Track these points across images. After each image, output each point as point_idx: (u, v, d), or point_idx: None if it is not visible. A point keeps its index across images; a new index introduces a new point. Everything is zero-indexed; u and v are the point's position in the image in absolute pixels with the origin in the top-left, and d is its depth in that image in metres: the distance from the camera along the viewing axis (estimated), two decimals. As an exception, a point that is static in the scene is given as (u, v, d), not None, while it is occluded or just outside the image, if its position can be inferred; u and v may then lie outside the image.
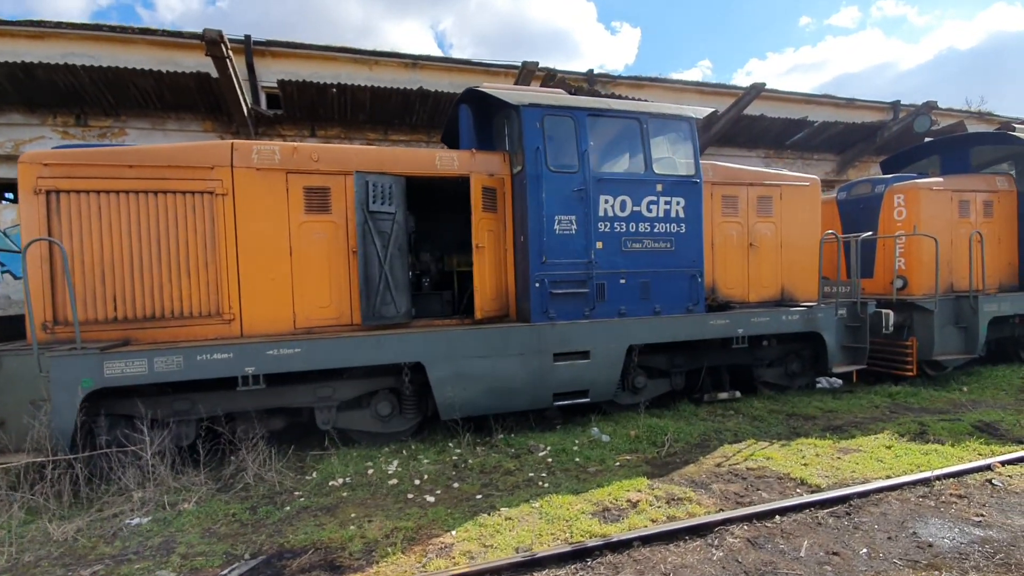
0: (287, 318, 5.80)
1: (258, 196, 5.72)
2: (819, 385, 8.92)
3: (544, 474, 5.22)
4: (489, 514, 4.30)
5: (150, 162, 5.45)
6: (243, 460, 5.17)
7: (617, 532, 3.82)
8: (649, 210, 6.65)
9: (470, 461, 5.53)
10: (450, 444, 5.98)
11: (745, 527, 3.91)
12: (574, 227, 6.33)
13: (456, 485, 5.00)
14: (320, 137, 11.07)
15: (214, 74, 9.03)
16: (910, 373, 8.44)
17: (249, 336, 5.66)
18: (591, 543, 3.62)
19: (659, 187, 6.68)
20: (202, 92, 9.57)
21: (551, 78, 10.57)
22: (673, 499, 4.43)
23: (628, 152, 6.73)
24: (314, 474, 5.28)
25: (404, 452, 5.85)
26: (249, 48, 10.89)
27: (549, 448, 5.81)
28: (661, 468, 5.28)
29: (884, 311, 8.27)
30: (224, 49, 8.46)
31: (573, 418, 6.80)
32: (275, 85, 10.28)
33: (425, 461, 5.58)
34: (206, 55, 8.52)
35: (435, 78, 11.97)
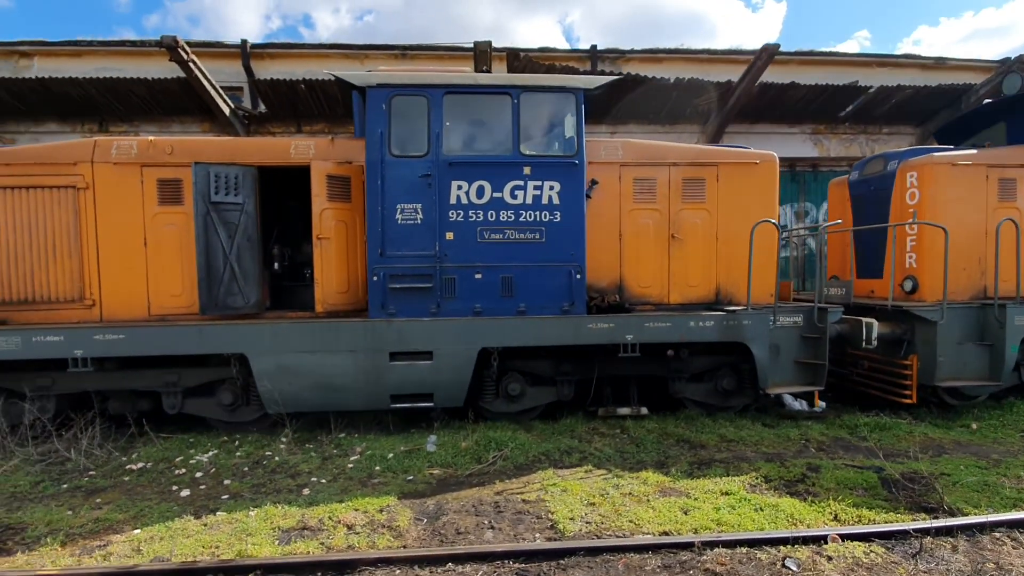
0: (142, 305, 6.07)
1: (116, 189, 6.03)
2: (796, 407, 7.36)
3: (325, 480, 4.91)
4: (199, 517, 4.12)
5: (22, 160, 6.00)
6: (70, 438, 5.53)
7: (243, 558, 3.43)
8: (513, 196, 5.89)
9: (276, 459, 5.38)
10: (282, 439, 5.87)
11: (397, 570, 3.28)
12: (419, 216, 5.82)
13: (227, 482, 4.88)
14: (306, 132, 11.52)
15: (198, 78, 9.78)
16: (907, 400, 6.58)
17: (109, 321, 6.02)
18: (201, 564, 3.28)
19: (526, 170, 5.89)
20: (188, 96, 10.41)
21: (515, 58, 9.86)
22: (380, 527, 3.88)
23: (495, 131, 6.01)
24: (135, 455, 5.50)
25: (236, 443, 5.86)
26: (245, 51, 11.68)
27: (366, 454, 5.44)
28: (444, 488, 4.68)
29: (866, 320, 6.55)
30: (183, 54, 9.10)
31: (453, 422, 6.28)
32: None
33: (238, 454, 5.54)
34: (169, 60, 9.23)
35: (425, 66, 11.83)
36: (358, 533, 3.82)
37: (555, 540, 3.64)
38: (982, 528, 3.54)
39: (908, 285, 7.01)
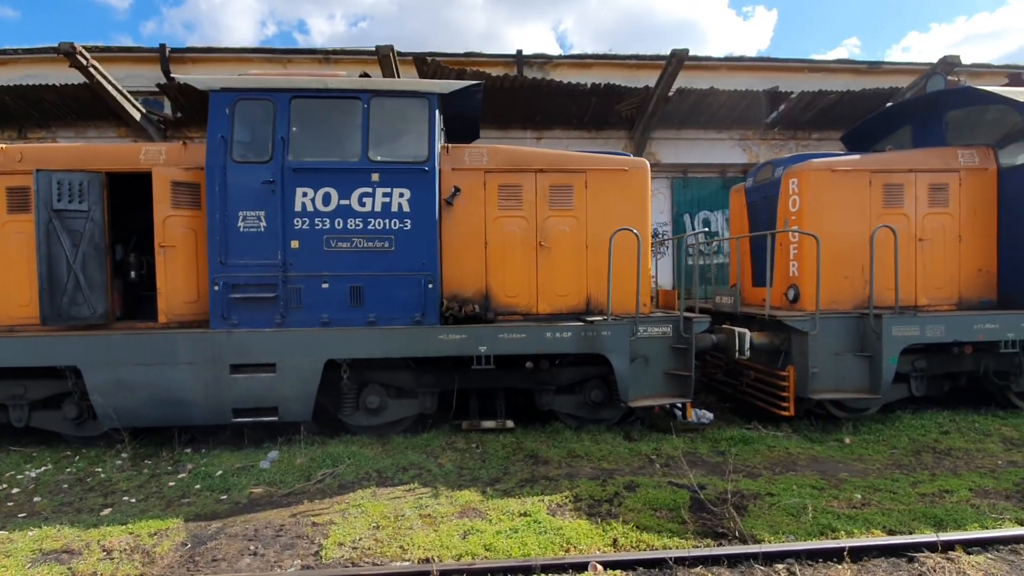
0: (-11, 315, 5.88)
1: (-37, 197, 5.85)
2: (694, 420, 7.15)
3: (136, 499, 4.72)
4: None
5: None
6: None
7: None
8: (361, 204, 5.71)
9: (102, 475, 5.18)
10: (122, 455, 5.66)
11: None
12: (263, 224, 5.64)
13: (37, 500, 4.78)
14: (226, 138, 11.32)
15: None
16: (785, 412, 6.37)
17: (-44, 330, 5.82)
18: None
19: (375, 177, 5.71)
20: (98, 102, 10.24)
21: (423, 62, 9.69)
22: (138, 552, 3.67)
23: (345, 137, 5.84)
24: (-43, 472, 5.29)
25: (76, 458, 5.65)
26: (164, 56, 11.53)
27: (196, 471, 5.23)
28: (250, 508, 4.47)
29: (739, 331, 6.36)
30: (82, 60, 8.93)
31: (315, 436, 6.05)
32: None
33: (69, 470, 5.35)
34: (69, 67, 9.07)
35: (348, 69, 11.66)
36: (112, 559, 3.62)
37: (308, 568, 3.43)
38: (755, 558, 3.32)
39: (791, 294, 6.83)
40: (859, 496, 4.39)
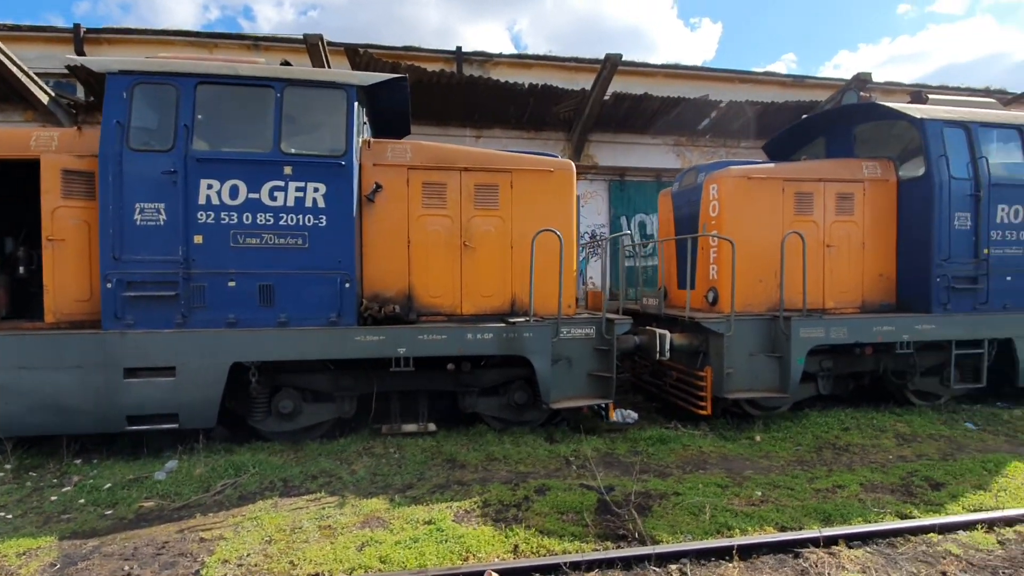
0: None
1: None
2: (616, 419, 7.22)
3: (12, 515, 4.32)
4: None
5: None
6: None
7: None
8: (272, 197, 5.44)
9: (-34, 491, 4.69)
10: (6, 466, 5.17)
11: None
12: (162, 217, 5.27)
13: None
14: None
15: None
16: (703, 411, 6.54)
17: None
18: None
19: (287, 170, 5.45)
20: (3, 84, 9.36)
21: (355, 53, 9.40)
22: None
23: (256, 127, 5.54)
24: None
25: (-60, 473, 5.10)
26: (78, 36, 10.73)
27: (83, 483, 4.83)
28: (136, 524, 4.16)
29: (659, 332, 6.49)
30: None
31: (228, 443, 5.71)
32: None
33: (-78, 486, 4.81)
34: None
35: (279, 58, 11.16)
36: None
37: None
38: (649, 559, 3.35)
39: (711, 296, 7.03)
40: (759, 493, 4.54)
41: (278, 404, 5.81)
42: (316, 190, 5.51)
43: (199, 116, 5.39)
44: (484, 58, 12.01)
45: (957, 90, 13.75)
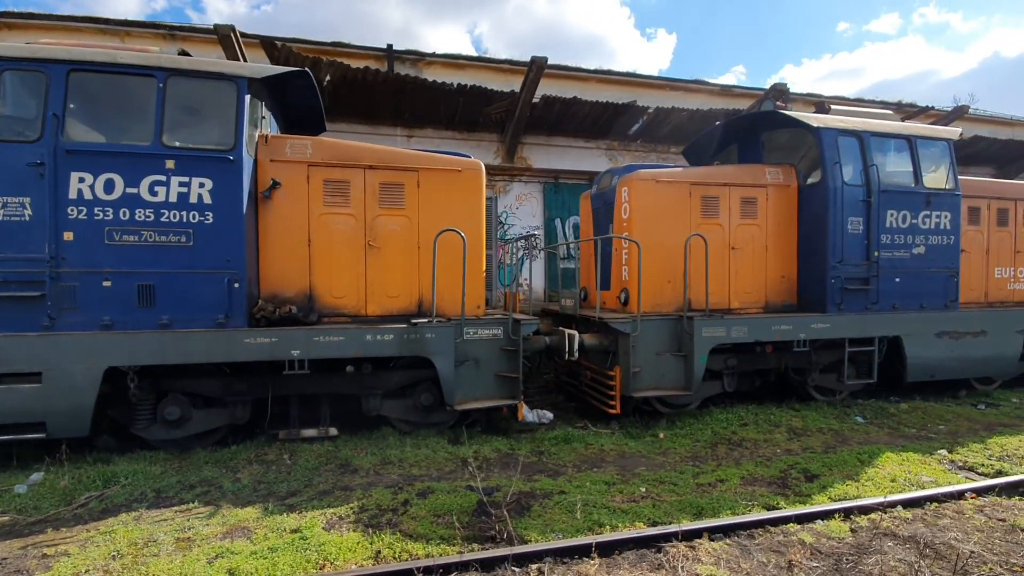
0: None
1: None
2: (531, 419, 7.21)
3: None
4: None
5: None
6: None
7: None
8: (153, 193, 5.16)
9: None
10: None
11: None
12: (27, 212, 4.91)
13: None
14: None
15: None
16: (612, 410, 6.61)
17: None
18: None
19: (169, 164, 5.19)
20: None
21: (272, 46, 9.11)
22: None
23: (136, 118, 5.26)
24: None
25: None
26: (-29, 18, 9.94)
27: (-74, 499, 4.43)
28: (-32, 543, 3.82)
29: (568, 332, 6.53)
30: None
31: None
32: None
33: None
34: None
35: (198, 48, 10.72)
36: None
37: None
38: (507, 560, 3.32)
39: (623, 297, 7.14)
40: (643, 490, 4.60)
41: (164, 411, 5.51)
42: (202, 185, 5.26)
43: (71, 105, 5.07)
44: (417, 57, 11.86)
45: (872, 103, 14.53)
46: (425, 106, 10.98)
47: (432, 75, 11.36)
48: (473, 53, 12.90)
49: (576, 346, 6.49)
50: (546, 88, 11.35)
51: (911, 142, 7.46)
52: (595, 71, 12.90)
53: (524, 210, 12.48)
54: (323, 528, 3.84)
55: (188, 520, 4.07)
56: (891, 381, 7.74)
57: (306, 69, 5.99)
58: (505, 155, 11.91)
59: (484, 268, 6.51)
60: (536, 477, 4.85)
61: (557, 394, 8.61)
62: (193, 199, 5.25)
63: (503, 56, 13.27)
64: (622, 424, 6.77)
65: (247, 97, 5.46)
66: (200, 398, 5.71)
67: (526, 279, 12.23)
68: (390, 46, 11.55)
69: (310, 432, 5.95)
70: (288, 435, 5.89)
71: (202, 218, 5.27)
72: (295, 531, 3.79)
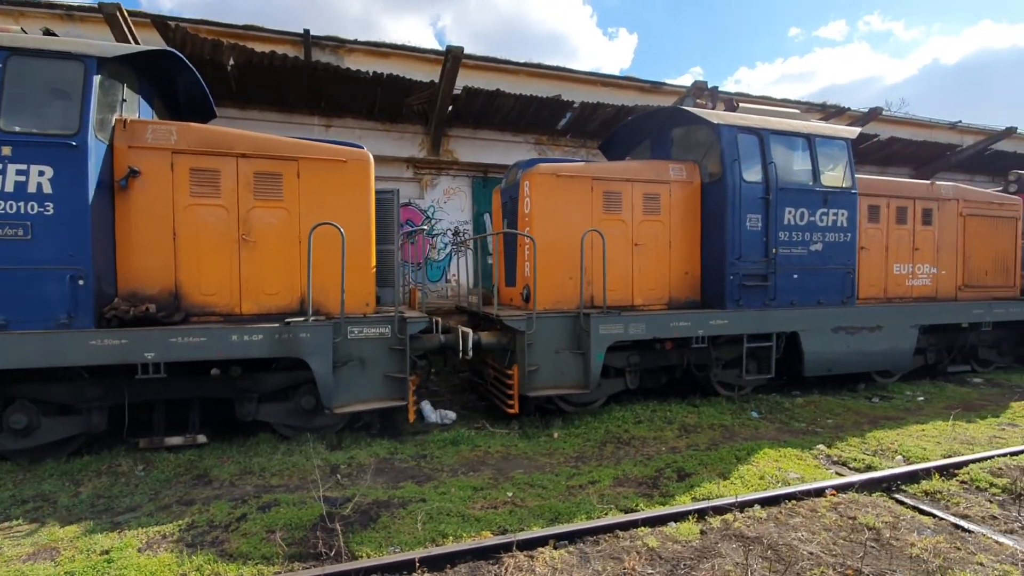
0: None
1: None
2: (433, 419, 6.99)
3: None
4: None
5: None
6: None
7: None
8: (-17, 182, 4.68)
9: None
10: None
11: None
12: None
13: None
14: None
15: None
16: (511, 410, 6.45)
17: None
18: None
19: (6, 150, 4.72)
20: None
21: (165, 27, 8.55)
22: None
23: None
24: None
25: None
26: None
27: None
28: None
29: (463, 330, 6.33)
30: None
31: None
32: None
33: None
34: None
35: (94, 31, 9.98)
36: None
37: None
38: (326, 576, 3.10)
39: (525, 293, 6.98)
40: (510, 494, 4.46)
41: (9, 419, 5.04)
42: (42, 174, 4.81)
43: None
44: (337, 43, 11.38)
45: (809, 105, 14.83)
46: (344, 95, 10.58)
47: (354, 63, 10.94)
48: (437, 47, 12.40)
49: (470, 344, 6.31)
50: (474, 79, 11.12)
51: (810, 141, 7.56)
52: (524, 64, 12.69)
53: (452, 204, 12.23)
54: (138, 549, 3.53)
55: (2, 540, 3.68)
56: (796, 376, 7.88)
57: (170, 49, 5.59)
58: (430, 148, 11.60)
59: (373, 264, 6.23)
60: (402, 484, 4.64)
61: (470, 393, 8.43)
62: (32, 188, 4.79)
63: (470, 51, 12.92)
64: (522, 424, 6.63)
65: (96, 78, 5.01)
66: (53, 405, 5.26)
67: (454, 275, 12.01)
68: (307, 31, 11.01)
69: (175, 440, 5.56)
70: (150, 443, 5.49)
71: (42, 209, 4.81)
72: (105, 553, 3.47)
